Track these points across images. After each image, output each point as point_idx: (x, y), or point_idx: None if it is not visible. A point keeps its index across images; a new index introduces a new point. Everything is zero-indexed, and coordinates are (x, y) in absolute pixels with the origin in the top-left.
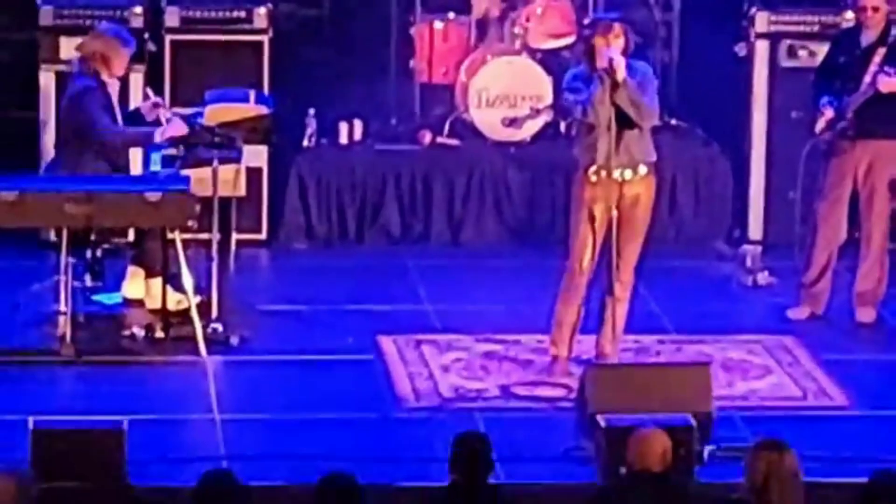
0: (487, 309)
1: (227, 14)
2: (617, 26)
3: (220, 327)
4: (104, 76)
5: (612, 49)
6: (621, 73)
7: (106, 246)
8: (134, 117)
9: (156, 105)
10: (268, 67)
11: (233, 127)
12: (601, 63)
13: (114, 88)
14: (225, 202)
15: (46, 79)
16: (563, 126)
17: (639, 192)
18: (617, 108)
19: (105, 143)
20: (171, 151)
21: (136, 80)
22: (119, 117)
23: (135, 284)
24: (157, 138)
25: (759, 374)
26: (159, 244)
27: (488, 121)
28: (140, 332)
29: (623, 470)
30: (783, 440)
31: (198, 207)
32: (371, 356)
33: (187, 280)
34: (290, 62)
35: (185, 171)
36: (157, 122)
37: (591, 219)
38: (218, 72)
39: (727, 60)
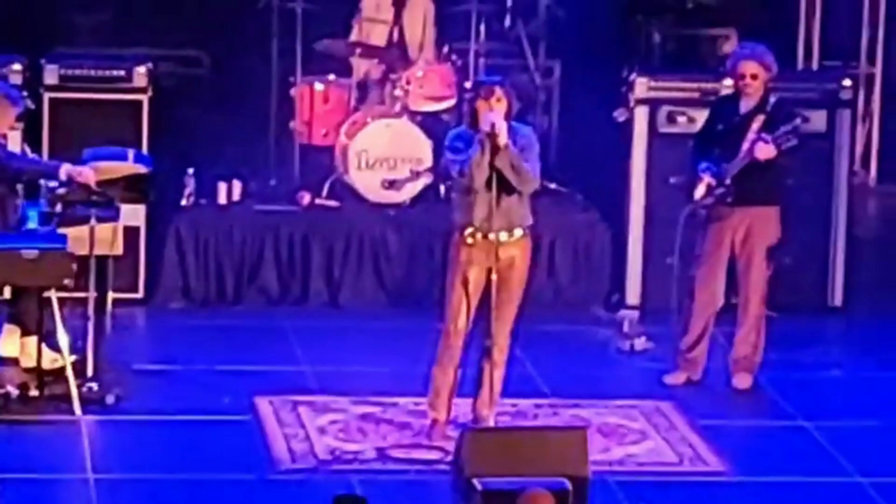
0: (365, 371)
1: (107, 73)
2: (499, 90)
3: (95, 386)
4: None
5: (495, 113)
6: (503, 138)
7: None
8: (45, 171)
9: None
10: (147, 126)
11: (111, 185)
12: (483, 127)
13: None
14: (102, 261)
15: None
16: (442, 189)
17: (514, 254)
18: (497, 171)
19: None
20: (49, 208)
21: (14, 137)
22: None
23: (10, 342)
24: (62, 175)
25: (636, 439)
26: (35, 302)
27: (368, 183)
28: (14, 391)
29: None
30: None
31: (75, 266)
32: (247, 417)
33: (63, 339)
34: (170, 121)
35: (62, 229)
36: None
37: (466, 281)
38: (97, 130)
39: (607, 126)
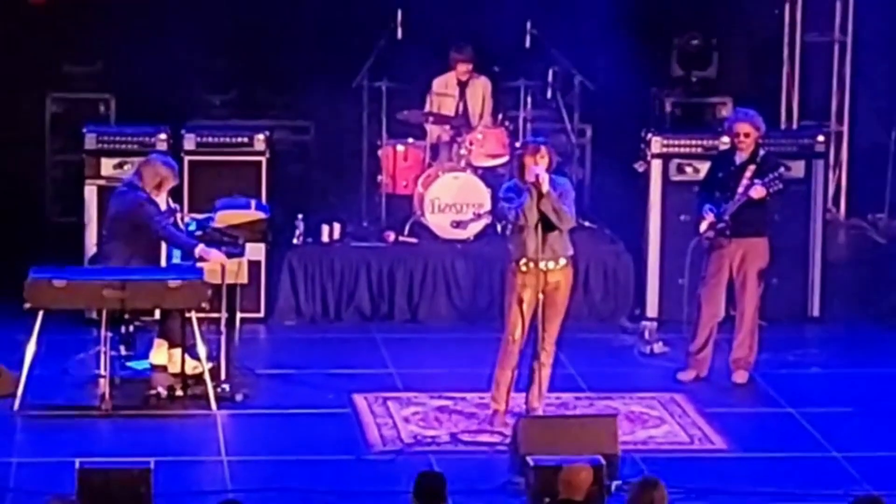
0: (440, 372)
1: (233, 139)
2: (543, 148)
3: (227, 387)
4: (152, 194)
5: (539, 167)
6: (545, 186)
7: (137, 323)
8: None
9: (173, 211)
10: (265, 181)
11: (237, 228)
12: (529, 178)
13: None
14: (231, 288)
15: (90, 192)
16: (499, 227)
17: (559, 279)
18: (542, 213)
19: (167, 239)
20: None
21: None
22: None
23: (160, 353)
24: (196, 253)
25: (656, 423)
26: (179, 321)
27: (440, 223)
28: (164, 392)
29: (547, 500)
30: (657, 477)
31: (210, 292)
32: (347, 410)
33: (201, 350)
34: (284, 177)
35: (200, 264)
36: (176, 224)
37: (521, 301)
38: (225, 185)
39: (629, 175)
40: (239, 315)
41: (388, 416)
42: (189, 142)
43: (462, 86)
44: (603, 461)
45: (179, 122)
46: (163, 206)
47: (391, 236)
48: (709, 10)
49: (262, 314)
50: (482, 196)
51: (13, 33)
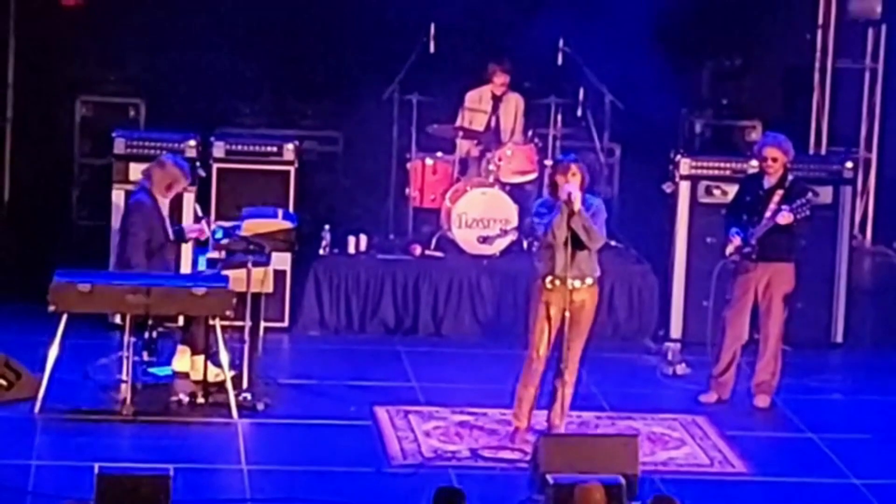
0: (462, 387)
1: (262, 148)
2: (574, 166)
3: (249, 396)
4: (159, 196)
5: (571, 185)
6: (577, 205)
7: (160, 329)
8: (178, 233)
9: (199, 219)
10: (293, 191)
11: (264, 237)
12: (561, 195)
13: (164, 205)
14: (256, 297)
15: (117, 196)
16: (525, 244)
17: (585, 298)
18: (572, 231)
19: (127, 247)
20: (215, 255)
21: (189, 199)
22: (169, 229)
23: (182, 360)
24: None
25: (676, 445)
26: (203, 329)
27: (466, 238)
28: (185, 398)
29: None
30: (672, 497)
31: (234, 300)
32: (368, 422)
33: (224, 358)
34: (311, 187)
35: (225, 272)
36: (197, 241)
37: (547, 318)
38: (253, 193)
39: (657, 196)
40: (263, 324)
41: (409, 430)
42: (218, 149)
43: (496, 100)
44: (622, 481)
45: (209, 129)
46: (189, 212)
47: (417, 250)
48: (740, 34)
49: (286, 324)
50: (509, 212)
51: (45, 36)
